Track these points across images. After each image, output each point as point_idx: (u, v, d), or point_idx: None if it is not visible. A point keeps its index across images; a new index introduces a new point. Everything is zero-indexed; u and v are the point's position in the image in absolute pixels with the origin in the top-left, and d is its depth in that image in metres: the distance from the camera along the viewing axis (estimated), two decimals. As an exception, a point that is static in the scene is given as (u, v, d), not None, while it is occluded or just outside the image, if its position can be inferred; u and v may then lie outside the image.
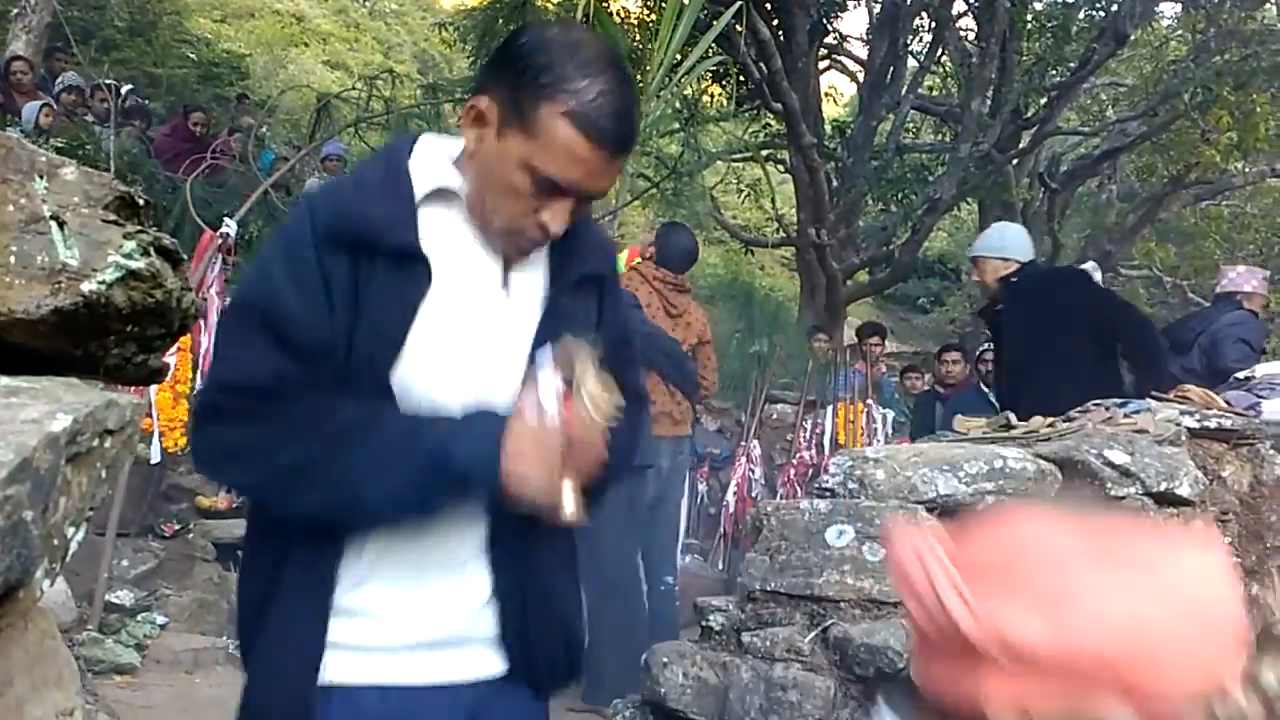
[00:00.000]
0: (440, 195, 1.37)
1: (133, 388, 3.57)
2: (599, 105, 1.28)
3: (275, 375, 1.25)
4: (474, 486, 1.31)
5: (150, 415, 5.29)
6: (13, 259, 0.94)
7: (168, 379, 5.36)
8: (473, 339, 1.36)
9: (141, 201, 1.05)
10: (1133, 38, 11.70)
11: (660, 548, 4.97)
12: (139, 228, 1.03)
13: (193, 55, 14.03)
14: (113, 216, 1.01)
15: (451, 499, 1.33)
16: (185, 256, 1.12)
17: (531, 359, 1.37)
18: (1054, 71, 12.14)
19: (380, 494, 1.29)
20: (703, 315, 5.32)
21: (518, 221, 1.34)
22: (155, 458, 5.35)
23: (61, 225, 0.96)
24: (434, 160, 1.39)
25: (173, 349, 5.22)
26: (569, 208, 1.34)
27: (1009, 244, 4.55)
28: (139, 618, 5.12)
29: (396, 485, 1.28)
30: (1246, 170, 13.23)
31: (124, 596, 5.24)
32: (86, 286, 0.96)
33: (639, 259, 5.25)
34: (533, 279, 1.44)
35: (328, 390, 1.29)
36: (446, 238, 1.36)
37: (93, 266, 0.97)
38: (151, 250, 1.02)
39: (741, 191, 14.92)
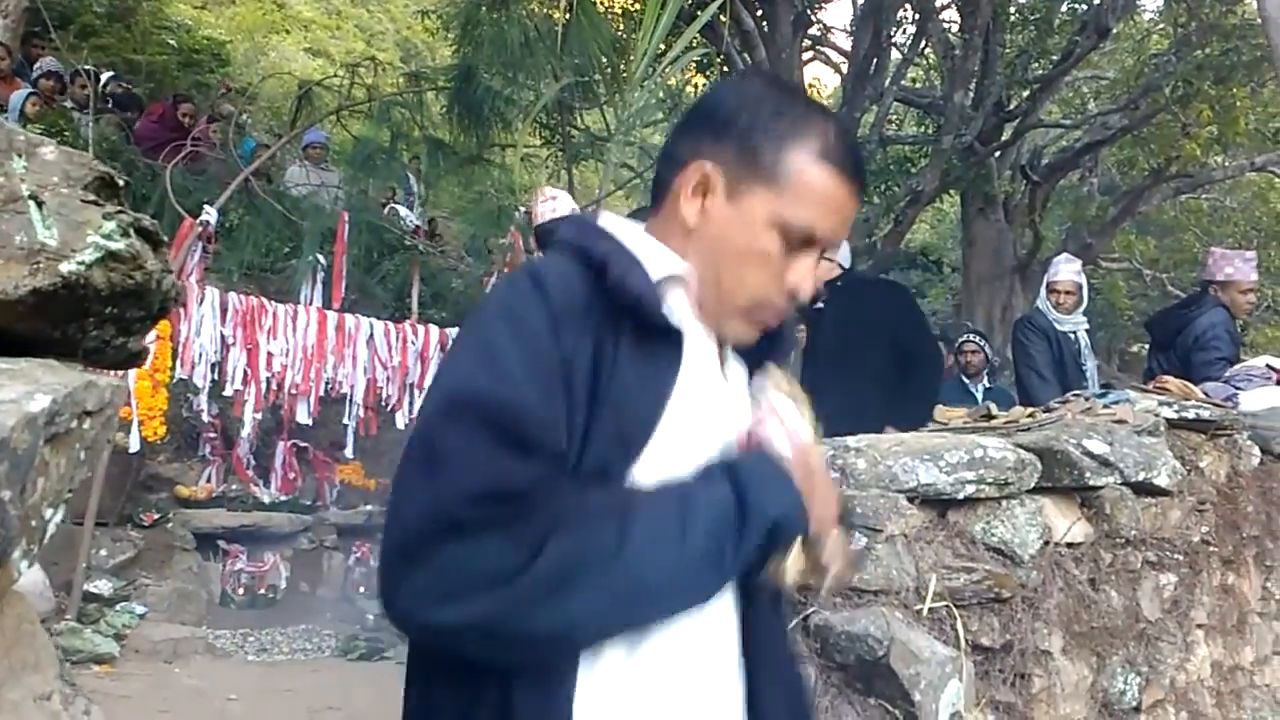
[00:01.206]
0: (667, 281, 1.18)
1: (112, 371, 3.55)
2: (843, 140, 1.19)
3: (526, 478, 1.01)
4: (782, 535, 1.11)
5: (129, 403, 5.26)
6: (-10, 239, 0.93)
7: (147, 366, 5.33)
8: (708, 430, 1.17)
9: (121, 182, 1.03)
10: (1114, 31, 11.75)
11: None
12: (119, 208, 1.02)
13: (173, 41, 13.89)
14: (92, 197, 1.00)
15: (743, 562, 1.09)
16: (166, 239, 1.11)
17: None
18: (1036, 64, 12.18)
19: (668, 566, 1.03)
20: None
21: (764, 290, 1.19)
22: (134, 446, 5.32)
23: (40, 205, 0.95)
24: (644, 240, 1.21)
25: (152, 335, 5.19)
26: (815, 264, 1.21)
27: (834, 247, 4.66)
28: (118, 607, 5.11)
29: (688, 552, 1.04)
30: (1226, 164, 13.31)
31: (103, 586, 5.22)
32: (65, 267, 0.95)
33: None
34: (737, 362, 1.29)
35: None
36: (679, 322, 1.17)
37: (72, 247, 0.96)
38: (131, 231, 1.01)
39: (724, 182, 14.89)
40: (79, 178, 0.99)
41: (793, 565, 1.15)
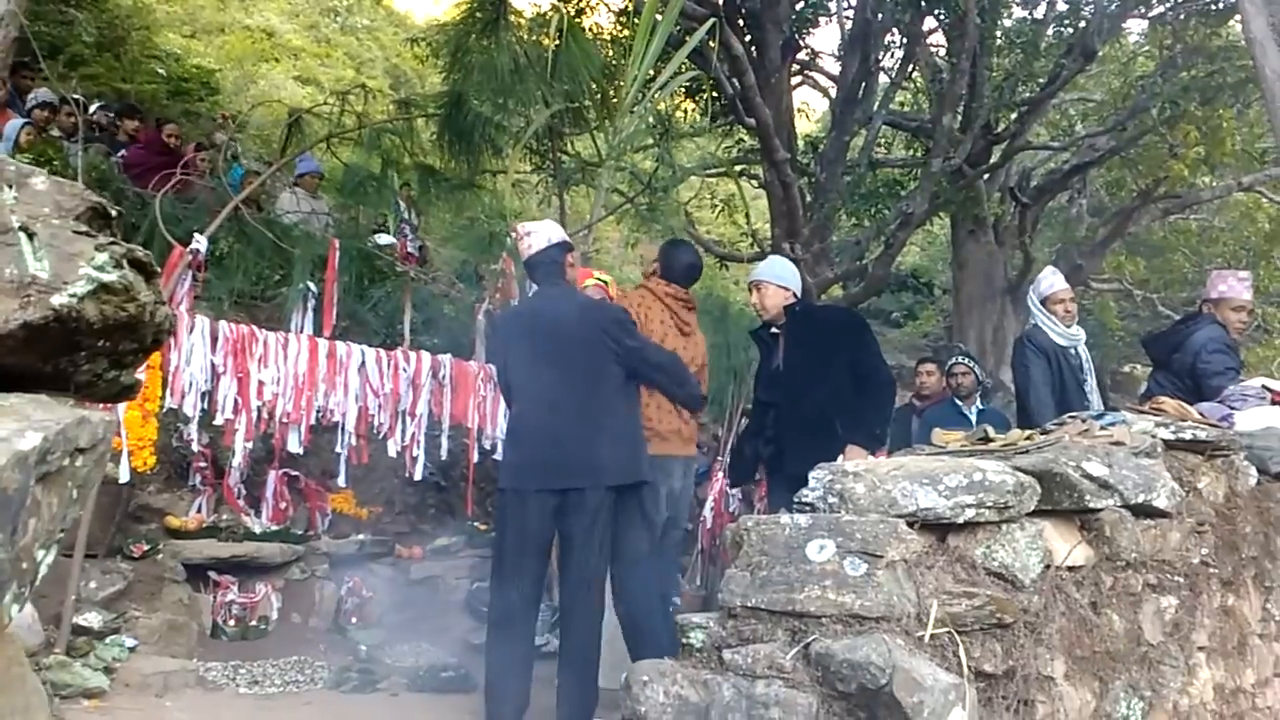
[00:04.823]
0: None
1: (104, 405, 3.50)
2: None
3: None
4: None
5: (119, 434, 5.21)
6: (-21, 272, 0.91)
7: (137, 397, 5.28)
8: None
9: (114, 213, 1.01)
10: (1101, 54, 11.85)
11: (667, 568, 4.92)
12: (111, 239, 0.99)
13: (162, 71, 13.89)
14: (84, 228, 0.98)
15: None
16: (158, 269, 1.08)
17: None
18: (1023, 87, 12.27)
19: None
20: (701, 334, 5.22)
21: None
22: (124, 477, 5.27)
23: (31, 236, 0.93)
24: None
25: (143, 366, 5.14)
26: None
27: (789, 277, 4.94)
28: (107, 640, 5.04)
29: None
30: (1213, 184, 13.41)
31: (92, 619, 5.15)
32: (57, 300, 0.93)
33: (599, 280, 5.20)
34: None
35: None
36: None
37: (63, 279, 0.94)
38: (124, 262, 0.99)
39: (716, 206, 14.98)
40: (71, 208, 0.97)
41: None
